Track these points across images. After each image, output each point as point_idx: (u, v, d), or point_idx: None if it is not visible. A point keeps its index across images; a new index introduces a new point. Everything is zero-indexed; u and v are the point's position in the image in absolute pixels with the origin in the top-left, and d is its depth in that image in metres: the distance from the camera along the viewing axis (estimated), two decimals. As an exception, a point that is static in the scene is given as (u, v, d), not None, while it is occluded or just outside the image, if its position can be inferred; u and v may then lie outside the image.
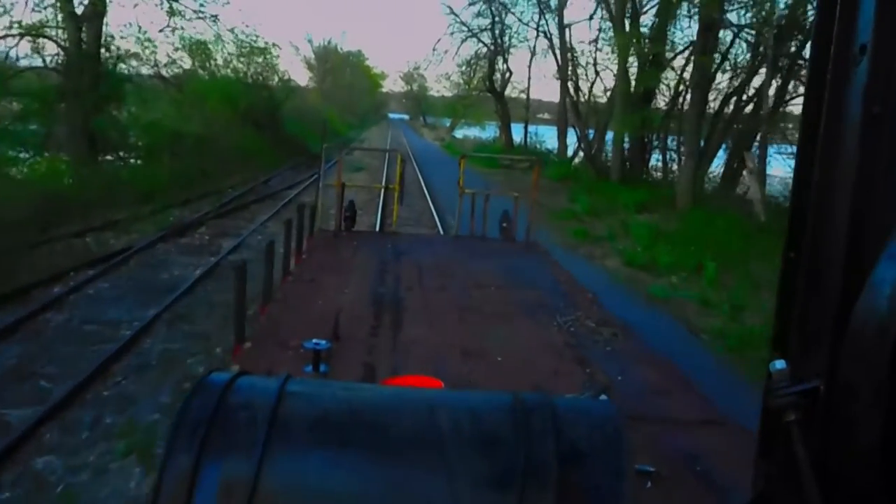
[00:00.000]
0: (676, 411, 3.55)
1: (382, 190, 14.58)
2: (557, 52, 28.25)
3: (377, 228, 11.88)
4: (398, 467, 1.02)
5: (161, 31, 19.13)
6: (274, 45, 29.64)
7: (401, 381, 3.21)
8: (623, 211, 17.15)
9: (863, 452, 0.87)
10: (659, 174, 24.19)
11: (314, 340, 3.68)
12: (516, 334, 4.69)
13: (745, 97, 20.41)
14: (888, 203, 0.93)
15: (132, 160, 18.74)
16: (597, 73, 26.80)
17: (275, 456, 0.99)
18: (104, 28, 17.11)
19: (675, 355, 5.00)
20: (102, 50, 17.26)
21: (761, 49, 18.04)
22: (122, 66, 19.16)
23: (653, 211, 17.02)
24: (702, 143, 19.17)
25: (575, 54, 27.72)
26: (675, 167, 23.97)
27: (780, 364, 1.05)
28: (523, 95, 37.38)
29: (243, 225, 13.54)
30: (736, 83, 20.69)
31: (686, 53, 21.11)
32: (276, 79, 33.00)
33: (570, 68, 27.66)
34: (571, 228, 15.60)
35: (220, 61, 27.29)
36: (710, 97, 19.95)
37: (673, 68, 22.01)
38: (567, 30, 28.03)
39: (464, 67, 37.09)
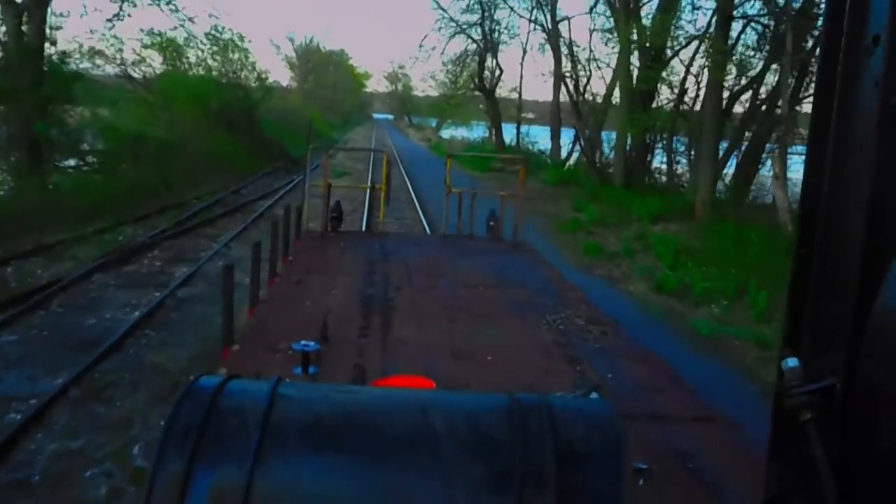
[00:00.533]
0: (667, 408, 3.47)
1: (368, 190, 13.97)
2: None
3: (364, 228, 11.73)
4: (393, 471, 0.99)
5: (110, 20, 17.15)
6: (241, 36, 27.55)
7: (392, 382, 3.05)
8: (636, 221, 15.38)
9: (885, 452, 0.82)
10: (662, 177, 22.57)
11: (303, 342, 3.60)
12: (506, 333, 4.61)
13: (758, 95, 18.81)
14: None
15: (86, 169, 16.68)
16: (590, 70, 25.09)
17: (267, 461, 0.96)
18: (48, 18, 15.03)
19: (753, 430, 3.36)
20: (47, 44, 15.17)
21: (777, 40, 16.39)
22: (87, 64, 17.37)
23: (669, 221, 15.28)
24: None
25: (576, 48, 25.94)
26: (679, 170, 22.45)
27: (792, 362, 1.00)
28: (511, 95, 35.74)
29: (204, 246, 11.58)
30: (743, 81, 19.13)
31: (692, 46, 19.46)
32: (255, 76, 30.85)
33: (569, 65, 25.92)
34: (581, 242, 13.88)
35: (192, 58, 25.41)
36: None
37: (682, 60, 20.33)
38: (567, 23, 26.29)
39: (450, 66, 35.43)
